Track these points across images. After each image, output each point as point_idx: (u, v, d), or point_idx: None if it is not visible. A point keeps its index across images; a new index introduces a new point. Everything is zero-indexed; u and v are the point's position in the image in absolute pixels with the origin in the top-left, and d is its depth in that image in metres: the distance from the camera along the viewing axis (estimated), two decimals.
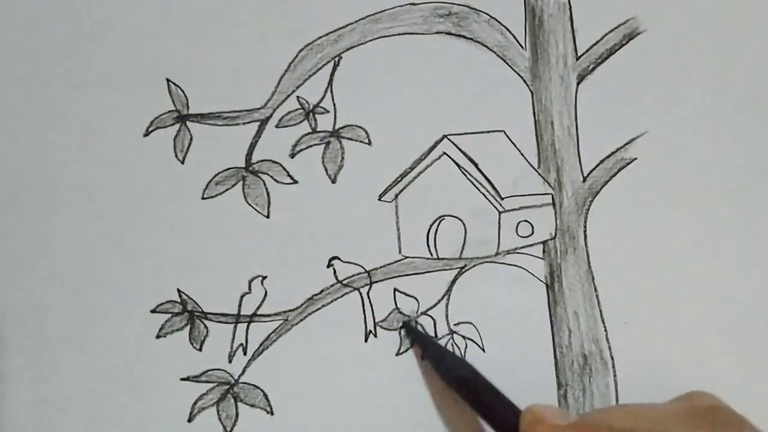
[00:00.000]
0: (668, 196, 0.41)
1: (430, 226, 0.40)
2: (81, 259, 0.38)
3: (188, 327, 0.39)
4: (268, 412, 0.39)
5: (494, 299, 0.40)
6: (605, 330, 0.41)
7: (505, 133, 0.41)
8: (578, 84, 0.41)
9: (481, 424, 0.38)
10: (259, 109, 0.39)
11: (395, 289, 0.40)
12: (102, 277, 0.38)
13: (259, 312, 0.39)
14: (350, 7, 0.40)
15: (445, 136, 0.40)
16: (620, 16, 0.42)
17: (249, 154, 0.39)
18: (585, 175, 0.41)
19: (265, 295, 0.39)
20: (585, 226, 0.41)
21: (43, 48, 0.38)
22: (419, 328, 0.39)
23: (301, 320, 0.39)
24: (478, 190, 0.41)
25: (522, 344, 0.40)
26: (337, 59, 0.40)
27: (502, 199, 0.41)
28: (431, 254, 0.40)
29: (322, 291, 0.39)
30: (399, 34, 0.40)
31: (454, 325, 0.40)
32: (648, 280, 0.41)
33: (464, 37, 0.41)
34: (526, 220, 0.41)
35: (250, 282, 0.39)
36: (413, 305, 0.40)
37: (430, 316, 0.40)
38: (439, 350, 0.39)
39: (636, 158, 0.41)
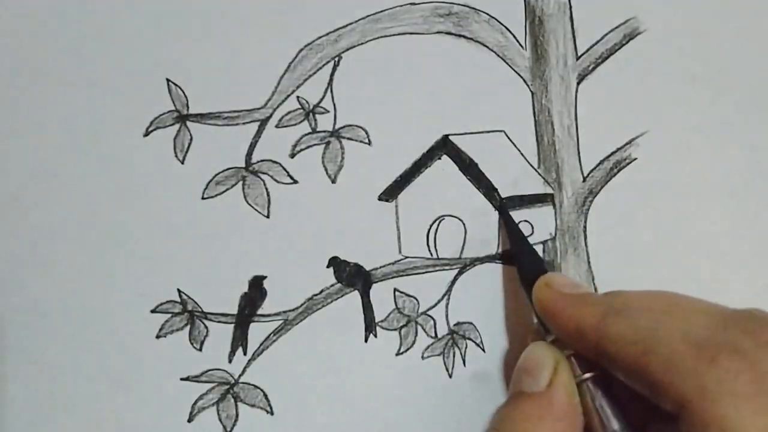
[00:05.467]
0: (668, 196, 0.41)
1: (430, 226, 0.40)
2: (81, 259, 0.38)
3: (188, 327, 0.39)
4: (268, 412, 0.39)
5: (494, 299, 0.41)
6: None
7: (505, 133, 0.41)
8: (578, 84, 0.41)
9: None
10: (259, 109, 0.39)
11: (395, 289, 0.40)
12: (102, 277, 0.38)
13: (259, 312, 0.39)
14: (350, 7, 0.40)
15: (445, 136, 0.40)
16: (620, 16, 0.42)
17: (249, 154, 0.39)
18: (585, 175, 0.41)
19: (265, 295, 0.39)
20: (585, 226, 0.41)
21: (43, 48, 0.38)
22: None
23: (301, 320, 0.39)
24: (478, 190, 0.41)
25: (522, 344, 0.40)
26: (337, 59, 0.40)
27: (502, 199, 0.41)
28: (431, 254, 0.40)
29: (322, 291, 0.39)
30: (399, 34, 0.40)
31: (454, 325, 0.40)
32: (648, 280, 0.41)
33: (464, 37, 0.41)
34: (526, 220, 0.41)
35: (250, 282, 0.39)
36: (413, 305, 0.40)
37: (430, 316, 0.40)
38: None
39: (636, 158, 0.41)
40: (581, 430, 0.33)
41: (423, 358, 0.40)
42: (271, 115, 0.39)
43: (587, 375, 0.33)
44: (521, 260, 0.39)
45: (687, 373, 0.29)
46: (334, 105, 0.40)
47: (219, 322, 0.39)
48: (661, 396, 0.30)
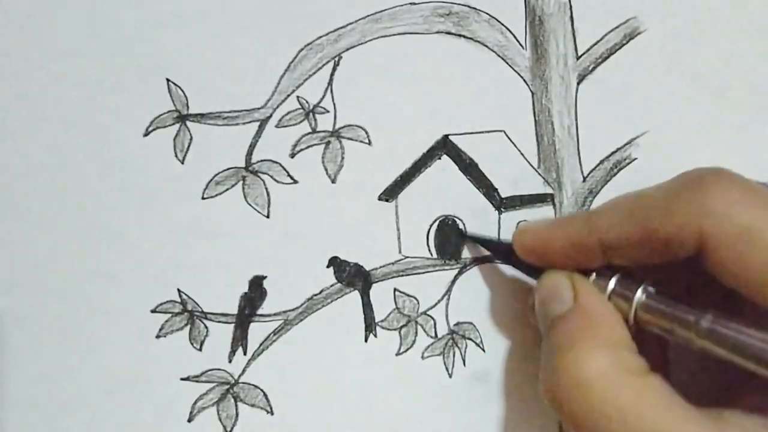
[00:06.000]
0: None
1: (430, 226, 0.40)
2: (81, 259, 0.38)
3: (188, 327, 0.39)
4: (268, 412, 0.39)
5: (494, 299, 0.41)
6: None
7: (505, 133, 0.41)
8: (578, 84, 0.41)
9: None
10: (259, 109, 0.39)
11: (395, 289, 0.40)
12: (102, 277, 0.38)
13: (259, 312, 0.39)
14: (350, 7, 0.40)
15: (445, 136, 0.40)
16: (620, 15, 0.42)
17: (249, 154, 0.39)
18: (585, 175, 0.41)
19: (265, 295, 0.39)
20: None
21: (44, 48, 0.38)
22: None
23: (301, 320, 0.39)
24: (478, 190, 0.41)
25: (522, 344, 0.40)
26: (337, 59, 0.40)
27: (502, 199, 0.41)
28: (431, 254, 0.40)
29: (322, 291, 0.39)
30: (399, 34, 0.40)
31: (454, 325, 0.40)
32: None
33: (464, 36, 0.41)
34: (526, 220, 0.41)
35: (250, 282, 0.39)
36: (413, 305, 0.40)
37: (430, 316, 0.40)
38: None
39: (636, 158, 0.41)
40: (627, 337, 0.33)
41: (423, 358, 0.40)
42: (271, 115, 0.39)
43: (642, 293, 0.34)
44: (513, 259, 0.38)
45: (684, 204, 0.32)
46: (334, 105, 0.40)
47: (219, 322, 0.39)
48: (674, 239, 0.32)
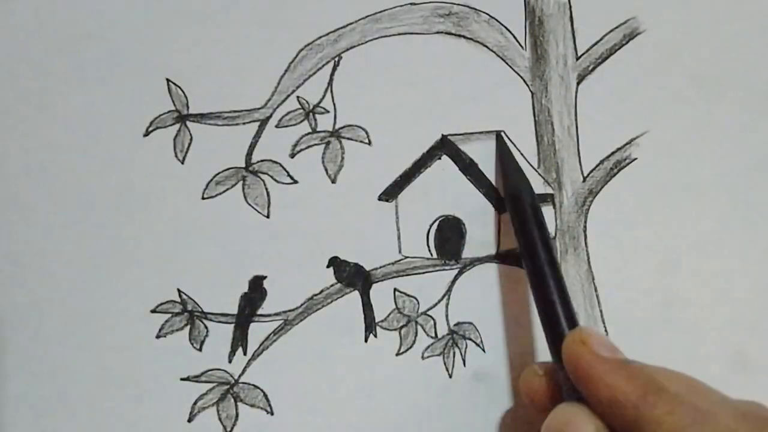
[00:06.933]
0: (668, 196, 0.41)
1: (430, 226, 0.40)
2: (81, 259, 0.38)
3: (188, 327, 0.39)
4: (268, 412, 0.39)
5: (494, 299, 0.41)
6: (605, 330, 0.41)
7: (505, 133, 0.41)
8: (578, 84, 0.41)
9: None
10: (259, 109, 0.39)
11: (395, 289, 0.40)
12: (102, 277, 0.38)
13: (259, 312, 0.39)
14: (350, 7, 0.40)
15: (445, 136, 0.40)
16: (620, 16, 0.42)
17: (249, 154, 0.39)
18: (585, 175, 0.41)
19: (265, 295, 0.39)
20: (585, 226, 0.41)
21: (43, 48, 0.38)
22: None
23: (301, 320, 0.39)
24: (478, 190, 0.41)
25: (522, 344, 0.40)
26: (337, 59, 0.40)
27: (502, 199, 0.40)
28: (431, 254, 0.40)
29: (322, 291, 0.39)
30: (399, 34, 0.40)
31: (454, 325, 0.40)
32: (648, 280, 0.41)
33: (464, 37, 0.41)
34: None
35: (250, 282, 0.39)
36: (413, 305, 0.40)
37: (430, 316, 0.40)
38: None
39: (636, 158, 0.41)
40: None
41: (423, 358, 0.40)
42: (271, 115, 0.39)
43: None
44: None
45: None
46: (334, 105, 0.40)
47: (219, 322, 0.39)
48: None
